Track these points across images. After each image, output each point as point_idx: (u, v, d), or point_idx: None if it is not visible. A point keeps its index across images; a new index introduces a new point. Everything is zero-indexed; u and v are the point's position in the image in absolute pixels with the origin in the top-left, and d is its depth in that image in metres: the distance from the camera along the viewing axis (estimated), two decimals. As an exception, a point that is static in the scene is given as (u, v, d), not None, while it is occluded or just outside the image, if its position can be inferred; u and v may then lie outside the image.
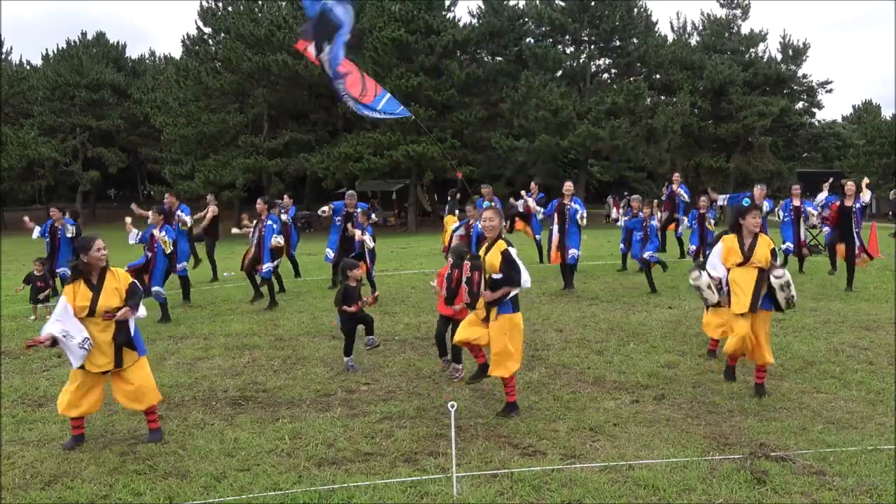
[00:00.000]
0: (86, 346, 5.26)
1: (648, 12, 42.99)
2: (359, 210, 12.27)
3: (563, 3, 41.11)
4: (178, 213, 11.76)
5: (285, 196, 14.58)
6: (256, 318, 10.45)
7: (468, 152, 39.41)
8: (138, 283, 5.68)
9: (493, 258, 5.78)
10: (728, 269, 6.41)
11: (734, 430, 5.53)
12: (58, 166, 47.59)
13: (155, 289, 10.37)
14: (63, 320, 5.27)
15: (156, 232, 10.56)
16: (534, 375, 7.08)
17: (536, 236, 14.97)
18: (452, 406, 4.68)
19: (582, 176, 41.58)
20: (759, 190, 13.22)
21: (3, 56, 53.14)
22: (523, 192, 14.33)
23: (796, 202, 13.54)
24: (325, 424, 5.77)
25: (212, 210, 14.55)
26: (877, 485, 4.49)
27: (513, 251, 5.83)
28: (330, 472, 4.86)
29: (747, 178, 43.30)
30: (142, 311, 5.54)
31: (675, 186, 15.74)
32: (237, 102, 40.48)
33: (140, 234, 10.80)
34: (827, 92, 50.78)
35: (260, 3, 42.00)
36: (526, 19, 43.48)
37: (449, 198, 17.73)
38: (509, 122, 39.66)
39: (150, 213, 11.14)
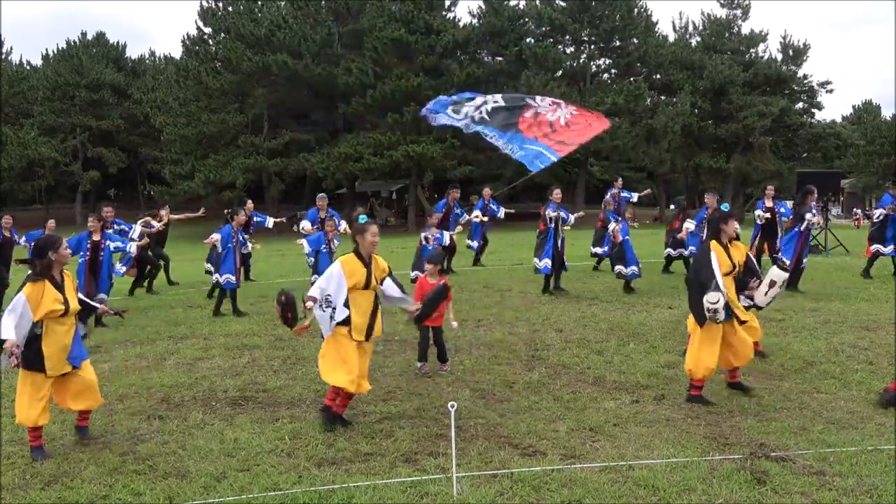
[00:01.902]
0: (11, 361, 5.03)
1: (648, 12, 43.06)
2: (335, 219, 12.12)
3: (563, 3, 41.15)
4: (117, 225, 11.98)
5: (249, 202, 14.47)
6: (256, 318, 10.46)
7: (468, 152, 39.40)
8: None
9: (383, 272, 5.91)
10: None
11: (734, 430, 5.53)
12: (58, 166, 47.57)
13: (100, 295, 10.05)
14: (19, 323, 5.02)
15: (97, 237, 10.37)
16: (534, 375, 7.09)
17: (473, 242, 14.97)
18: (452, 406, 4.68)
19: (582, 176, 41.60)
20: (709, 197, 12.86)
21: (3, 56, 53.15)
22: (477, 216, 14.37)
23: (769, 202, 13.35)
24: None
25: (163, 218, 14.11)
26: (877, 485, 4.49)
27: None
28: (330, 472, 4.86)
29: (747, 178, 43.38)
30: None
31: (615, 191, 15.51)
32: (237, 102, 40.49)
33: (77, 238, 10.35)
34: (827, 92, 50.89)
35: (260, 2, 42.01)
36: (526, 19, 43.50)
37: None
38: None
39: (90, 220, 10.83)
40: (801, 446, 5.14)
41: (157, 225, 13.08)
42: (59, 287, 5.29)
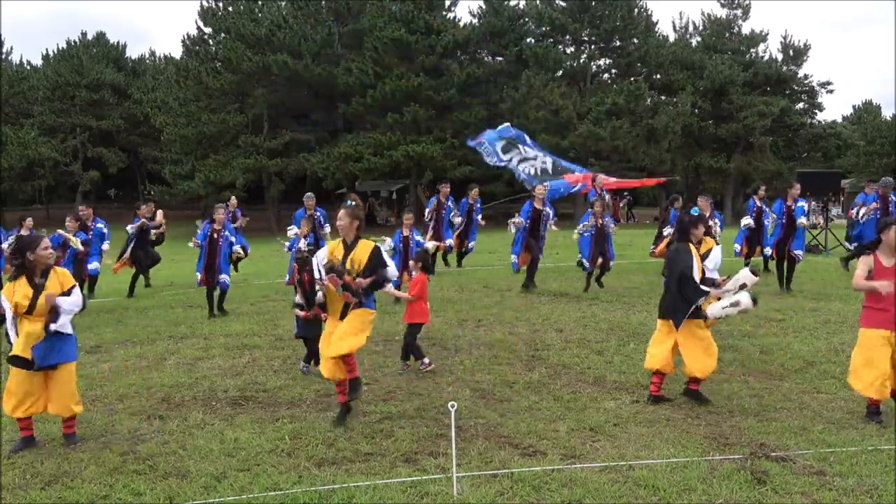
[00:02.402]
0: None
1: (649, 12, 43.05)
2: (318, 217, 12.27)
3: (563, 3, 41.13)
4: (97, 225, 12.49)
5: (233, 198, 14.47)
6: (256, 318, 10.46)
7: (468, 152, 39.32)
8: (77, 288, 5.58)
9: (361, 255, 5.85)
10: None
11: (734, 430, 5.53)
12: (58, 166, 47.53)
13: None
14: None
15: (65, 233, 11.46)
16: (534, 375, 7.09)
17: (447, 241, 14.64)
18: (452, 406, 4.69)
19: (582, 176, 41.57)
20: (702, 201, 12.90)
21: (3, 56, 53.14)
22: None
23: (759, 203, 13.33)
24: (326, 424, 5.77)
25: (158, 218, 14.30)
26: (877, 485, 4.49)
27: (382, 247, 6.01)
28: (330, 472, 4.86)
29: (748, 178, 43.36)
30: (69, 303, 5.41)
31: (597, 190, 15.56)
32: (237, 102, 40.45)
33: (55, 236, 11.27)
34: (828, 93, 50.80)
35: (260, 2, 41.99)
36: (526, 19, 43.48)
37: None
38: (510, 122, 39.65)
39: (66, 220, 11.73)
40: (801, 446, 5.14)
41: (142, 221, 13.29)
42: (36, 287, 5.34)
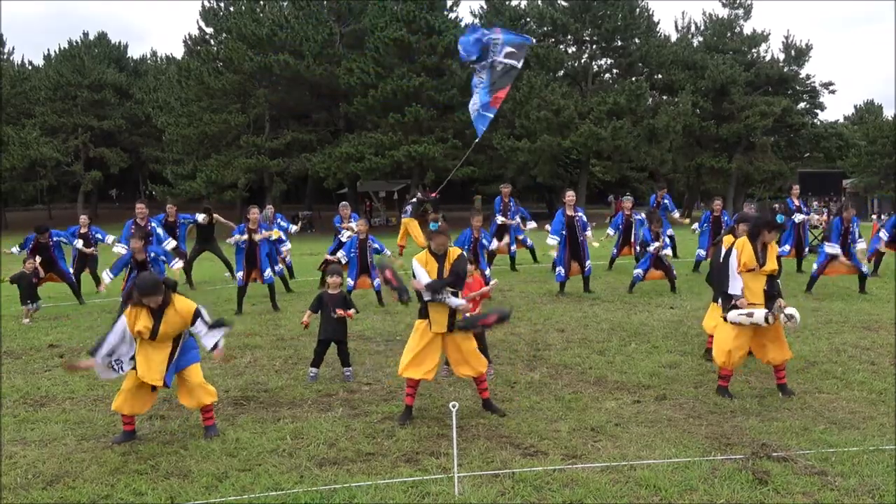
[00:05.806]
0: (116, 367, 5.51)
1: (650, 12, 43.08)
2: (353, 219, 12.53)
3: (565, 3, 41.16)
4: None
5: (269, 206, 14.61)
6: (258, 318, 10.47)
7: (470, 152, 39.33)
8: (202, 309, 5.74)
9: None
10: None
11: (736, 430, 5.52)
12: (59, 166, 47.58)
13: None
14: (116, 344, 5.46)
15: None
16: (535, 375, 7.09)
17: (524, 243, 14.85)
18: (454, 406, 4.69)
19: (583, 176, 41.59)
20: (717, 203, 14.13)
21: (4, 56, 53.19)
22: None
23: (797, 202, 13.75)
24: (327, 424, 5.78)
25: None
26: (879, 485, 4.49)
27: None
28: (331, 472, 4.87)
29: (749, 178, 43.37)
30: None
31: (658, 196, 15.71)
32: (239, 102, 40.49)
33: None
34: (830, 93, 50.80)
35: (262, 2, 42.03)
36: (528, 19, 43.48)
37: (414, 200, 17.82)
38: (511, 122, 39.66)
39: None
40: (802, 446, 5.14)
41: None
42: (156, 315, 5.48)
